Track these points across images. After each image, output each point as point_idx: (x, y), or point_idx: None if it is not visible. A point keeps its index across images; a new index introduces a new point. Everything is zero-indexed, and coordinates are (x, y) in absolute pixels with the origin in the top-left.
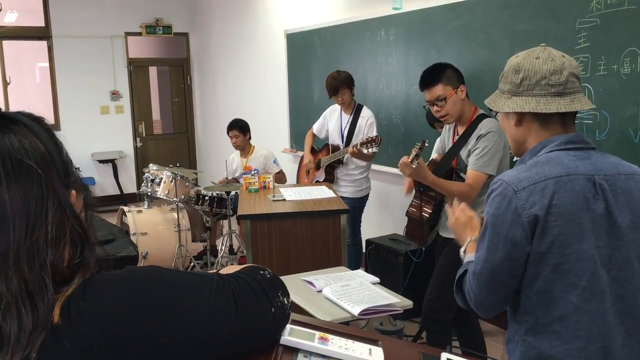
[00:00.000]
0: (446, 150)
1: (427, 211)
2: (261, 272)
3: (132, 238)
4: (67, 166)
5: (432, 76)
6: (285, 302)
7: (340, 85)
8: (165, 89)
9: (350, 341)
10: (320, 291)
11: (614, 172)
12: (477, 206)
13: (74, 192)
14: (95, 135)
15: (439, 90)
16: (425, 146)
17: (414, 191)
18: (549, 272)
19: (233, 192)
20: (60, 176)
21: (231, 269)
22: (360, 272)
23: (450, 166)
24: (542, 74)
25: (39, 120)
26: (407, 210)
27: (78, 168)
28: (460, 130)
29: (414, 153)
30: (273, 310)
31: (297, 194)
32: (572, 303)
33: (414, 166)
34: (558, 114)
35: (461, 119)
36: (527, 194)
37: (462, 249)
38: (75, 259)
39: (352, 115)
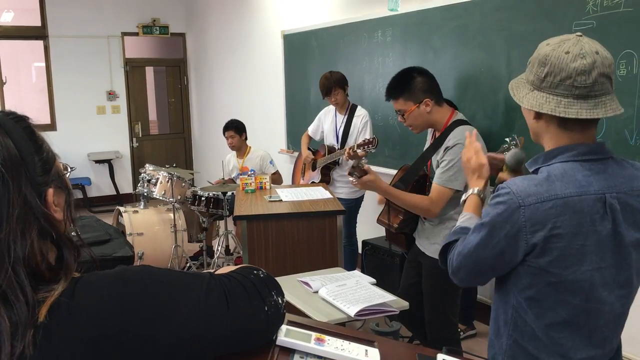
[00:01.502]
0: None
1: (396, 220)
2: (255, 272)
3: (128, 238)
4: (46, 164)
5: (393, 90)
6: (280, 301)
7: (333, 86)
8: (162, 89)
9: (346, 342)
10: (317, 292)
11: (628, 189)
12: (446, 221)
13: (51, 190)
14: (92, 135)
15: (399, 104)
16: (363, 162)
17: None
18: (544, 286)
19: (229, 193)
20: (30, 175)
21: (226, 269)
22: (357, 272)
23: (424, 172)
24: (568, 73)
25: (19, 119)
26: (378, 218)
27: (73, 168)
28: (437, 135)
29: (351, 166)
30: (266, 309)
31: (293, 195)
32: (561, 316)
33: (353, 180)
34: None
35: (435, 126)
36: (531, 212)
37: (463, 197)
38: (52, 257)
39: (346, 115)
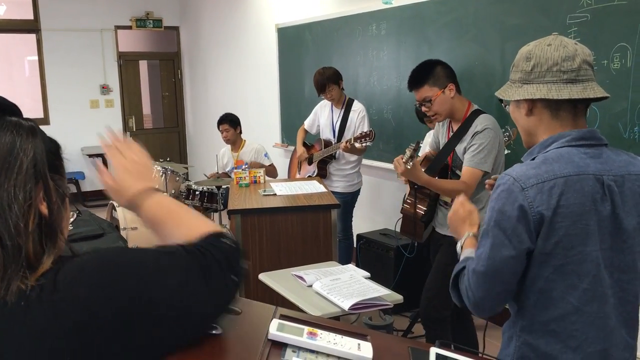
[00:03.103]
0: (441, 147)
1: (421, 208)
2: (222, 239)
3: (122, 233)
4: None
5: (418, 77)
6: (245, 266)
7: (327, 82)
8: (156, 83)
9: (339, 336)
10: (311, 286)
11: (624, 172)
12: (474, 202)
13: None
14: (85, 129)
15: (425, 91)
16: (420, 146)
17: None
18: (551, 273)
19: (224, 187)
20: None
21: (190, 216)
22: (351, 266)
23: (445, 163)
24: (554, 61)
25: (51, 139)
26: (402, 207)
27: (79, 213)
28: (455, 126)
29: (408, 154)
30: (237, 279)
31: (288, 189)
32: (572, 304)
33: (408, 167)
34: (569, 103)
35: (454, 115)
36: (534, 192)
37: (459, 244)
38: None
39: (343, 110)
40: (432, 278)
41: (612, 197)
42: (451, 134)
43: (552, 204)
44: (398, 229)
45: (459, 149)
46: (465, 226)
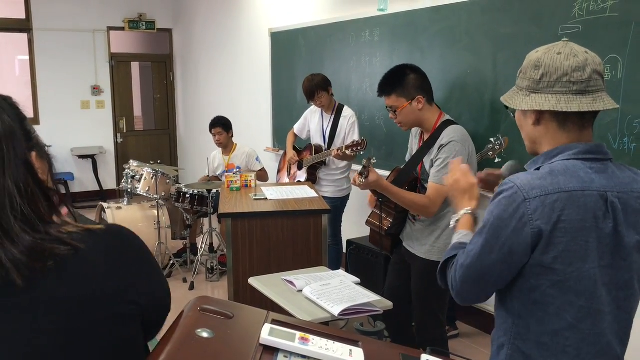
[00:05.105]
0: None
1: (387, 222)
2: None
3: None
4: (29, 134)
5: (387, 86)
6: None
7: (316, 89)
8: (148, 85)
9: (330, 342)
10: (301, 291)
11: (628, 189)
12: (438, 220)
13: (34, 153)
14: (75, 130)
15: (392, 100)
16: (372, 162)
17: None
18: (548, 287)
19: (214, 190)
20: (21, 142)
21: None
22: (341, 272)
23: (414, 175)
24: (564, 71)
25: (5, 98)
26: (367, 220)
27: (50, 146)
28: (426, 136)
29: (361, 169)
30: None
31: (279, 193)
32: (567, 321)
33: (362, 181)
34: (577, 115)
35: (423, 125)
36: (536, 204)
37: (454, 219)
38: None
39: (333, 116)
40: (418, 308)
41: (615, 214)
42: (422, 144)
43: (553, 219)
44: None
45: (427, 161)
46: (464, 200)
